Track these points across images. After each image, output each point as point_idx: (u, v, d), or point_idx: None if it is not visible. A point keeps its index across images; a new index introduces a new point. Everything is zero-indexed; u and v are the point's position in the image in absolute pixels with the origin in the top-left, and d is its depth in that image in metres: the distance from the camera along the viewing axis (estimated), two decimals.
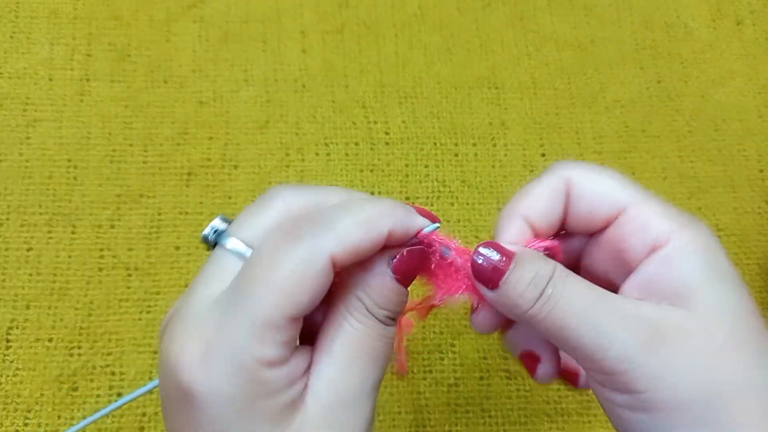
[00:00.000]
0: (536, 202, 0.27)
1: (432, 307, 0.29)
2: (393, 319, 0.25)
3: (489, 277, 0.25)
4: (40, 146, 0.49)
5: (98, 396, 0.43)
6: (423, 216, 0.26)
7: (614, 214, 0.27)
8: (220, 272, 0.24)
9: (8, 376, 0.43)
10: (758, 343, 0.24)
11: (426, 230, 0.26)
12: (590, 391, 0.46)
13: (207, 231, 0.25)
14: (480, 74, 0.55)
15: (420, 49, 0.55)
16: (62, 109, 0.50)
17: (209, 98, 0.52)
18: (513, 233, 0.27)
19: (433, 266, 0.27)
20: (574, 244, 0.30)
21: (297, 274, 0.22)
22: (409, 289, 0.26)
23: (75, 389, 0.43)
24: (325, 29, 0.55)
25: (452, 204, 0.50)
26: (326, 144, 0.51)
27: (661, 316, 0.24)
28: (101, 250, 0.47)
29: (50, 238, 0.47)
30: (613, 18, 0.58)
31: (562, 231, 0.29)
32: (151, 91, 0.52)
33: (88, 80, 0.52)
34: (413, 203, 0.27)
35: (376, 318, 0.25)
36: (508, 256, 0.25)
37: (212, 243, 0.25)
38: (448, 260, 0.27)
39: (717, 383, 0.23)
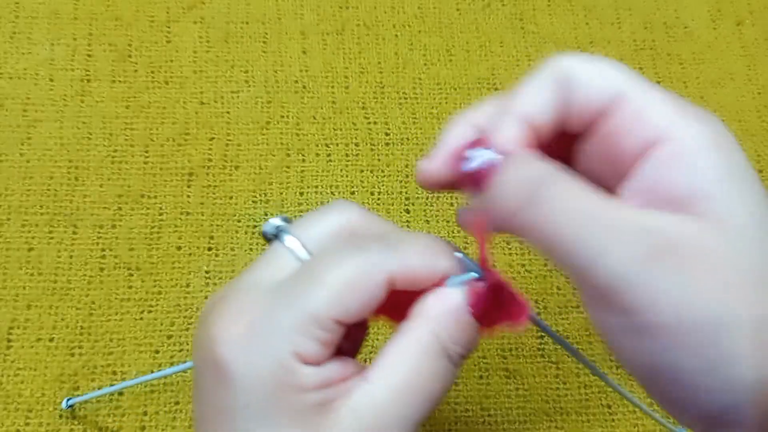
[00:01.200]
0: (533, 97, 0.24)
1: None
2: (463, 358, 0.25)
3: (478, 177, 0.23)
4: (40, 146, 0.49)
5: (99, 396, 0.43)
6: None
7: (609, 103, 0.23)
8: (274, 264, 0.25)
9: (9, 375, 0.43)
10: None
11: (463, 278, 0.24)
12: (589, 391, 0.46)
13: (267, 227, 0.26)
14: (480, 75, 0.55)
15: (420, 49, 0.56)
16: (63, 110, 0.51)
17: (210, 99, 0.52)
18: (510, 134, 0.24)
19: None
20: (566, 148, 0.26)
21: (353, 280, 0.22)
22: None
23: (76, 389, 0.43)
24: (326, 30, 0.55)
25: (452, 204, 0.51)
26: (326, 145, 0.52)
27: (669, 225, 0.20)
28: (102, 250, 0.47)
29: (51, 238, 0.47)
30: (612, 19, 0.58)
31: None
32: (152, 91, 0.52)
33: (88, 81, 0.52)
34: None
35: (449, 357, 0.24)
36: (501, 153, 0.23)
37: (271, 238, 0.26)
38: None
39: (731, 311, 0.19)
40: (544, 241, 0.22)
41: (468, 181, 0.24)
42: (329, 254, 0.23)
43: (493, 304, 0.24)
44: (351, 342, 0.27)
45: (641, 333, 0.20)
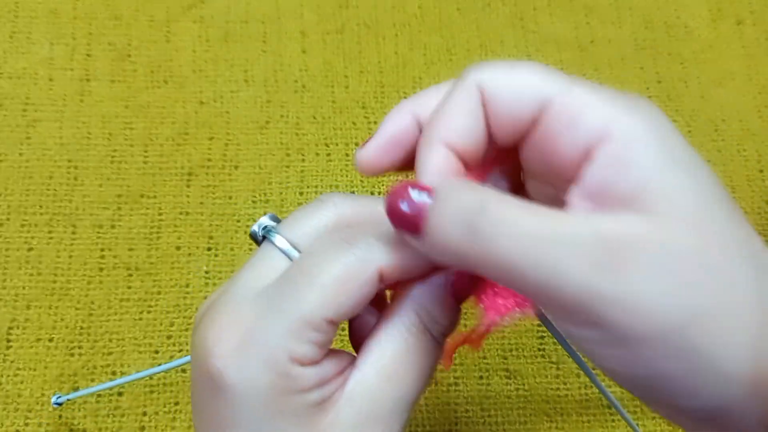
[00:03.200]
0: (453, 121, 0.23)
1: (485, 333, 0.27)
2: (445, 336, 0.25)
3: (409, 222, 0.21)
4: (40, 146, 0.49)
5: (99, 396, 0.43)
6: None
7: (537, 113, 0.22)
8: (265, 267, 0.24)
9: (9, 376, 0.43)
10: (737, 235, 0.19)
11: None
12: (589, 392, 0.46)
13: (255, 227, 0.26)
14: None
15: (420, 49, 0.55)
16: (62, 109, 0.51)
17: (209, 98, 0.52)
18: (435, 163, 0.23)
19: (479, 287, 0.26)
20: (511, 166, 0.25)
21: (343, 278, 0.22)
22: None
23: (76, 389, 0.43)
24: (326, 29, 0.55)
25: None
26: (326, 144, 0.51)
27: (617, 227, 0.19)
28: (102, 250, 0.47)
29: (51, 238, 0.47)
30: (613, 18, 0.58)
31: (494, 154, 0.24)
32: (151, 91, 0.52)
33: (88, 80, 0.52)
34: None
35: (431, 333, 0.24)
36: (426, 190, 0.21)
37: (260, 239, 0.26)
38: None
39: (690, 303, 0.19)
40: (496, 271, 0.20)
41: (405, 227, 0.22)
42: (317, 252, 0.23)
43: (476, 285, 0.24)
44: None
45: (619, 345, 0.19)
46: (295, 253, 0.25)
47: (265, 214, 0.27)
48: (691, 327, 0.18)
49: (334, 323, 0.23)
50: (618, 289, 0.19)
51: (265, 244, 0.25)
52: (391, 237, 0.24)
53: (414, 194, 0.21)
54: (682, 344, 0.18)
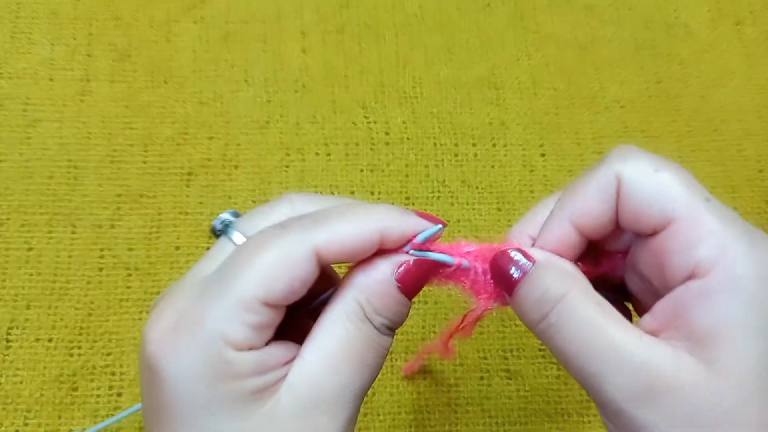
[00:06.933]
0: (584, 203, 0.25)
1: (478, 319, 0.28)
2: (390, 328, 0.25)
3: (504, 283, 0.25)
4: (40, 146, 0.49)
5: (98, 396, 0.43)
6: (426, 219, 0.26)
7: (662, 224, 0.24)
8: (216, 259, 0.24)
9: (8, 376, 0.43)
10: None
11: (421, 236, 0.25)
12: None
13: (216, 222, 0.26)
14: (480, 74, 0.55)
15: (420, 49, 0.55)
16: (63, 110, 0.51)
17: (209, 98, 0.52)
18: (557, 236, 0.26)
19: (452, 274, 0.26)
20: (626, 238, 0.27)
21: (276, 259, 0.22)
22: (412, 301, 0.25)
23: (75, 389, 0.43)
24: (326, 29, 0.55)
25: (452, 204, 0.51)
26: (326, 144, 0.51)
27: (669, 365, 0.22)
28: (101, 250, 0.47)
29: (50, 238, 0.47)
30: (613, 18, 0.58)
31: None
32: (151, 91, 0.52)
33: (88, 80, 0.52)
34: (416, 208, 0.27)
35: (373, 324, 0.24)
36: (531, 261, 0.25)
37: (219, 233, 0.26)
38: (469, 270, 0.26)
39: None
40: (556, 353, 0.24)
41: (499, 283, 0.26)
42: (254, 238, 0.23)
43: (422, 280, 0.25)
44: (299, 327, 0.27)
45: None
46: None
47: (226, 210, 0.26)
48: None
49: (270, 305, 0.22)
50: (643, 415, 0.22)
51: (221, 239, 0.25)
52: (328, 216, 0.24)
53: (519, 258, 0.25)
54: None
